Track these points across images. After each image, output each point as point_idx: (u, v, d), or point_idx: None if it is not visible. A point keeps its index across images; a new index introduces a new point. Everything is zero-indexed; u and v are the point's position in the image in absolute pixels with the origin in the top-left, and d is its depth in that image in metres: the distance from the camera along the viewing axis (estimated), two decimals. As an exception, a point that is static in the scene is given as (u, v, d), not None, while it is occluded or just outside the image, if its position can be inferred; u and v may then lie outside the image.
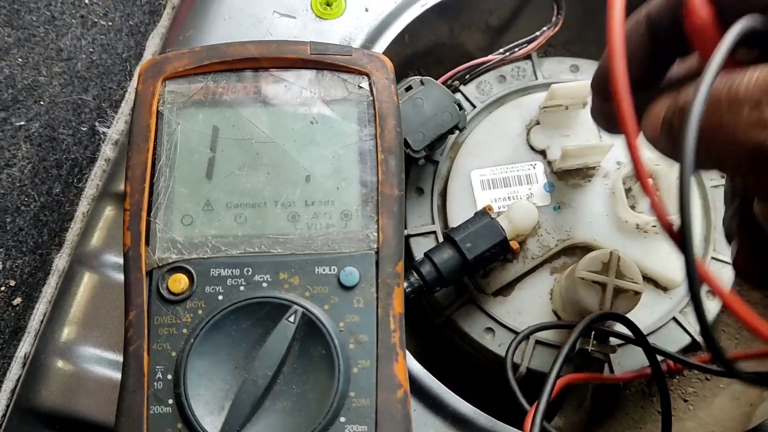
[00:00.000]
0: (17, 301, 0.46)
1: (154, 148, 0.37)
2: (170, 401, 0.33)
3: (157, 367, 0.34)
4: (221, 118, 0.38)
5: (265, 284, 0.35)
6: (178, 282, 0.35)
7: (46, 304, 0.44)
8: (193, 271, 0.35)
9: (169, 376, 0.33)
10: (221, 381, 0.34)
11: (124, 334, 0.34)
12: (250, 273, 0.35)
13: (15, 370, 0.43)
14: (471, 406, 0.43)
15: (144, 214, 0.36)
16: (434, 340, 0.53)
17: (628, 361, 0.49)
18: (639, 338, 0.43)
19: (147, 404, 0.33)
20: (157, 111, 0.38)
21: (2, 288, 0.46)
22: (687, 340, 0.49)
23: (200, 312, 0.34)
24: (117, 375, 0.42)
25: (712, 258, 0.51)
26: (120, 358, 0.42)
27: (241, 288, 0.35)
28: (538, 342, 0.49)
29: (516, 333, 0.49)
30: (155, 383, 0.33)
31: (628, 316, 0.44)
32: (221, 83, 0.39)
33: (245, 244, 0.36)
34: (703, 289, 0.51)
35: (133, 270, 0.35)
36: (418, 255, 0.50)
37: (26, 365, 0.43)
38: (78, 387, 0.41)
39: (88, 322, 0.43)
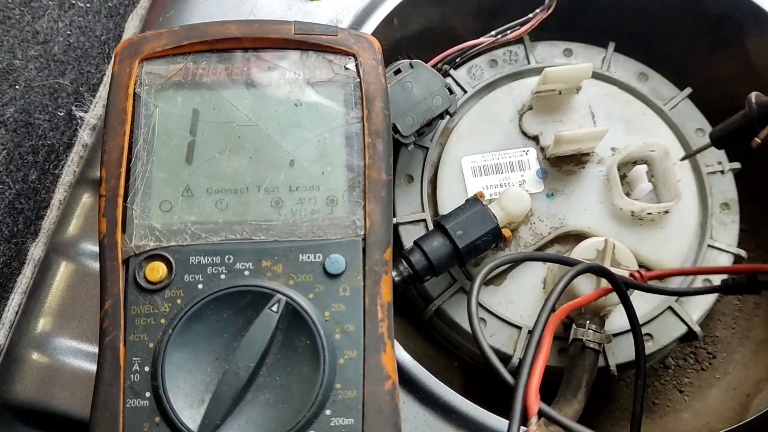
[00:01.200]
0: (-8, 292, 0.44)
1: (131, 131, 0.36)
2: (147, 394, 0.32)
3: (134, 358, 0.32)
4: (201, 100, 0.37)
5: (247, 272, 0.33)
6: (156, 270, 0.33)
7: (21, 295, 0.42)
8: (171, 259, 0.34)
9: (147, 368, 0.32)
10: (201, 373, 0.32)
11: (100, 325, 0.33)
12: (231, 261, 0.34)
13: (-10, 364, 0.42)
14: (461, 398, 0.42)
15: (120, 200, 0.34)
16: (424, 331, 0.52)
17: (623, 351, 0.48)
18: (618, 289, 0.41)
19: (123, 397, 0.32)
20: (134, 93, 0.36)
21: (-24, 279, 0.45)
22: (683, 328, 0.48)
23: (179, 301, 0.33)
24: (94, 367, 0.40)
25: (709, 246, 0.50)
26: (96, 350, 0.41)
27: (222, 276, 0.33)
28: (530, 332, 0.47)
29: (509, 323, 0.48)
30: (132, 375, 0.32)
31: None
32: (201, 64, 0.37)
33: (226, 230, 0.34)
34: (700, 278, 0.50)
35: (108, 258, 0.34)
36: (408, 243, 0.48)
37: (0, 358, 0.42)
38: (54, 380, 0.40)
39: (64, 313, 0.41)
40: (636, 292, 0.45)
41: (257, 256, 0.34)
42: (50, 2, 0.49)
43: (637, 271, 0.43)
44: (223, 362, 0.32)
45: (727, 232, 0.51)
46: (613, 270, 0.43)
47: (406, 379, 0.42)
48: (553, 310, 0.37)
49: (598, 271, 0.41)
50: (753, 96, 0.40)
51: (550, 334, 0.36)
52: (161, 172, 0.35)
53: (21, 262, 0.43)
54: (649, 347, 0.48)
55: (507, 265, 0.49)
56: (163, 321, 0.33)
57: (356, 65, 0.38)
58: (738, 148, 0.51)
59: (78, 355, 0.41)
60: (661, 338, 0.48)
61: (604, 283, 0.43)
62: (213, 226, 0.34)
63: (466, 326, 0.48)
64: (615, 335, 0.47)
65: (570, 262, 0.42)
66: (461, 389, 0.43)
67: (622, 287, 0.41)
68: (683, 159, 0.50)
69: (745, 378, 0.52)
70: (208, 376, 0.32)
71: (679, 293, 0.48)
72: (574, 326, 0.44)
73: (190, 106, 0.36)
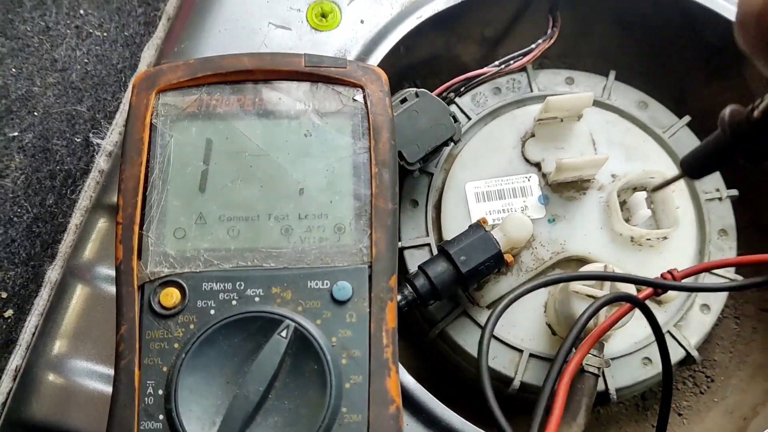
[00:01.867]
0: (9, 313, 0.46)
1: (147, 161, 0.37)
2: (161, 417, 0.33)
3: (149, 382, 0.33)
4: (215, 130, 0.38)
5: (257, 298, 0.35)
6: (170, 296, 0.35)
7: (38, 317, 0.44)
8: (185, 285, 0.35)
9: (161, 392, 0.33)
10: (212, 396, 0.33)
11: (116, 349, 0.34)
12: (242, 287, 0.35)
13: (6, 384, 0.43)
14: (464, 421, 0.43)
15: (136, 228, 0.36)
16: (428, 354, 0.53)
17: (622, 375, 0.49)
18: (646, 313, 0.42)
19: (138, 419, 0.33)
20: (151, 123, 0.38)
21: (-6, 300, 0.46)
22: (682, 353, 0.49)
23: (192, 326, 0.34)
24: (108, 389, 0.41)
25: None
26: (111, 372, 0.42)
27: (234, 302, 0.35)
28: (532, 355, 0.48)
29: (510, 346, 0.49)
30: (146, 398, 0.33)
31: (626, 328, 0.44)
32: (215, 95, 0.39)
33: (238, 257, 0.36)
34: (698, 302, 0.51)
35: (124, 284, 0.35)
36: (412, 267, 0.50)
37: (17, 378, 0.43)
38: (69, 400, 0.41)
39: (79, 335, 0.43)
40: (636, 314, 0.46)
41: (267, 282, 0.35)
42: (68, 31, 0.50)
43: (669, 273, 0.43)
44: (234, 386, 0.33)
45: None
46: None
47: (410, 402, 0.43)
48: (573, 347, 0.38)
49: (627, 300, 0.41)
50: (727, 112, 0.32)
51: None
52: (176, 200, 0.37)
53: (38, 285, 0.44)
54: (648, 371, 0.49)
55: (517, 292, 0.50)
56: (176, 345, 0.34)
57: (364, 97, 0.39)
58: (736, 174, 0.53)
59: (93, 376, 0.42)
60: (655, 365, 0.49)
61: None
62: (225, 253, 0.36)
63: (469, 349, 0.49)
64: (614, 359, 0.48)
65: (583, 277, 0.43)
66: (464, 411, 0.44)
67: (652, 314, 0.42)
68: (654, 190, 0.49)
69: (742, 402, 0.53)
70: (219, 399, 0.33)
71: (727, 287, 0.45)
72: (573, 350, 0.45)
73: (204, 136, 0.38)
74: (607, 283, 0.46)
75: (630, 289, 0.44)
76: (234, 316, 0.34)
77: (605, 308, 0.44)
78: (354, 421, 0.33)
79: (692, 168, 0.34)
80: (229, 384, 0.34)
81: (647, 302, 0.43)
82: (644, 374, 0.49)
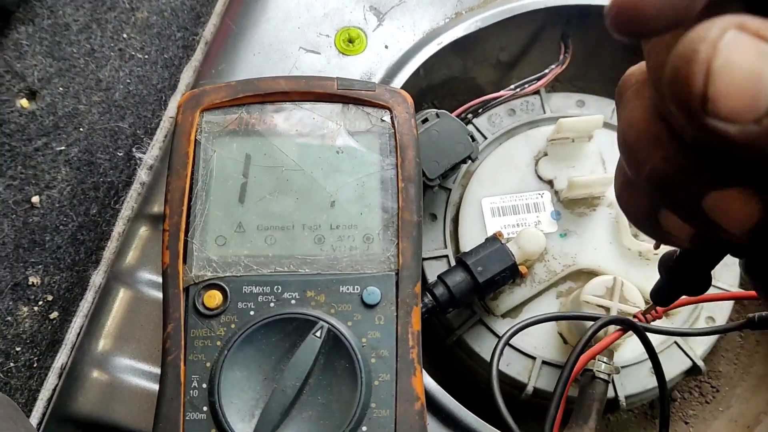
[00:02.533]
0: (54, 315, 0.49)
1: (192, 173, 0.40)
2: (205, 408, 0.36)
3: (193, 376, 0.36)
4: (254, 146, 0.41)
5: (293, 301, 0.38)
6: (213, 298, 0.38)
7: (83, 318, 0.47)
8: (226, 288, 0.38)
9: (204, 385, 0.36)
10: (252, 390, 0.36)
11: (162, 346, 0.37)
12: (279, 290, 0.38)
13: (51, 380, 0.46)
14: (483, 422, 0.45)
15: (182, 235, 0.39)
16: (446, 359, 0.56)
17: (632, 382, 0.51)
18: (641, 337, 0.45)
19: (183, 411, 0.36)
20: (195, 140, 0.41)
21: (40, 303, 0.49)
22: (688, 363, 0.52)
23: (233, 326, 0.37)
24: (151, 385, 0.44)
25: (713, 285, 0.54)
26: (153, 369, 0.45)
27: (272, 304, 0.37)
28: (544, 362, 0.51)
29: (524, 354, 0.51)
30: (191, 391, 0.36)
31: (634, 338, 0.46)
32: (254, 114, 0.42)
33: (275, 263, 0.38)
34: (703, 315, 0.53)
35: (171, 286, 0.38)
36: (431, 277, 0.52)
37: (63, 375, 0.46)
38: (113, 396, 0.44)
39: (122, 335, 0.45)
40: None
41: (302, 287, 0.38)
42: (112, 53, 0.54)
43: (643, 312, 0.46)
44: (271, 381, 0.36)
45: (729, 273, 0.54)
46: (621, 306, 0.47)
47: (431, 402, 0.46)
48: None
49: (621, 324, 0.44)
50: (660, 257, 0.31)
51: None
52: (217, 210, 0.40)
53: (83, 288, 0.47)
54: (654, 380, 0.51)
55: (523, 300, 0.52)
56: (219, 343, 0.37)
57: (391, 117, 0.42)
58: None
59: (135, 373, 0.45)
60: (667, 372, 0.51)
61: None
62: (263, 260, 0.39)
63: (485, 355, 0.52)
64: (623, 367, 0.51)
65: (590, 318, 0.46)
66: (478, 414, 0.47)
67: (646, 337, 0.45)
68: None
69: (746, 411, 0.55)
70: (257, 393, 0.36)
71: (697, 333, 0.50)
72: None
73: (244, 152, 0.41)
74: (617, 294, 0.49)
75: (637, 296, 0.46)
76: (272, 317, 0.37)
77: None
78: (382, 416, 0.36)
79: (659, 300, 0.34)
80: (267, 380, 0.36)
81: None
82: (653, 382, 0.51)
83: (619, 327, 0.45)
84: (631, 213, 0.25)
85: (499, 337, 0.45)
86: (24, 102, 0.53)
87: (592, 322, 0.45)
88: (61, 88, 0.53)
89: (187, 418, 0.36)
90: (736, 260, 0.53)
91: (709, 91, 0.15)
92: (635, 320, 0.46)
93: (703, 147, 0.16)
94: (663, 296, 0.32)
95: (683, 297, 0.32)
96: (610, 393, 0.49)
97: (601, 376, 0.47)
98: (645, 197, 0.24)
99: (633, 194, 0.24)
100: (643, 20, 0.18)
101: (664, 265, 0.30)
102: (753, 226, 0.19)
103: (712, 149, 0.16)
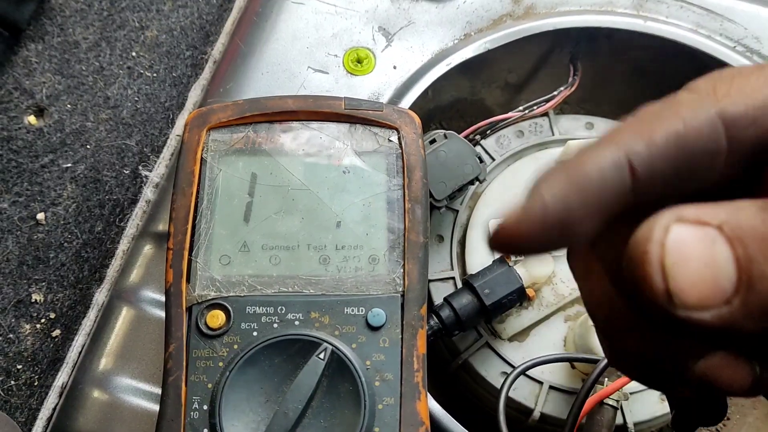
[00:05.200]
0: (56, 333, 0.48)
1: (197, 192, 0.40)
2: (205, 430, 0.35)
3: (194, 397, 0.36)
4: (260, 165, 0.41)
5: (297, 322, 0.37)
6: (216, 318, 0.37)
7: (85, 336, 0.46)
8: (230, 308, 0.37)
9: (205, 407, 0.35)
10: (254, 413, 0.36)
11: (164, 365, 0.36)
12: (283, 311, 0.37)
13: (52, 399, 0.45)
14: (487, 448, 0.44)
15: (186, 254, 0.38)
16: (451, 383, 0.55)
17: (640, 409, 0.50)
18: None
19: (183, 433, 0.35)
20: (201, 158, 0.41)
21: (42, 320, 0.49)
22: (698, 390, 0.51)
23: (236, 347, 0.36)
24: (151, 405, 0.44)
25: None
26: (155, 390, 0.44)
27: (275, 325, 0.37)
28: (552, 388, 0.50)
29: (531, 378, 0.50)
30: (192, 413, 0.35)
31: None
32: (261, 133, 0.42)
33: (279, 284, 0.38)
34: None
35: (174, 305, 0.37)
36: (437, 299, 0.52)
37: (63, 394, 0.45)
38: (113, 416, 0.43)
39: (124, 354, 0.45)
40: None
41: (307, 308, 0.37)
42: (121, 71, 0.54)
43: None
44: (274, 404, 0.36)
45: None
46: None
47: (435, 427, 0.45)
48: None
49: None
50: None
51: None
52: (222, 229, 0.39)
53: (86, 306, 0.47)
54: (666, 407, 0.50)
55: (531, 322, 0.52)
56: (221, 364, 0.36)
57: (399, 138, 0.42)
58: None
59: (137, 393, 0.44)
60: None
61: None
62: (267, 280, 0.38)
63: (491, 380, 0.51)
64: (632, 393, 0.50)
65: (592, 360, 0.45)
66: (485, 440, 0.46)
67: None
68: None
69: (758, 439, 0.54)
70: (259, 415, 0.36)
71: None
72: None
73: (250, 171, 0.41)
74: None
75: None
76: (275, 338, 0.36)
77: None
78: (386, 440, 0.35)
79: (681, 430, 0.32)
80: (269, 402, 0.36)
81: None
82: (662, 409, 0.50)
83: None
84: (630, 377, 0.25)
85: (512, 369, 0.44)
86: (32, 119, 0.53)
87: (589, 376, 0.44)
88: (69, 106, 0.53)
89: (187, 440, 0.35)
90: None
91: (671, 288, 0.16)
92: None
93: (684, 330, 0.16)
94: (683, 427, 0.31)
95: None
96: (619, 419, 0.48)
97: (610, 402, 0.46)
98: (637, 366, 0.23)
99: (622, 361, 0.24)
100: (517, 244, 0.19)
101: (674, 403, 0.29)
102: (750, 385, 0.18)
103: (694, 332, 0.16)
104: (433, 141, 0.51)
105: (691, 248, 0.16)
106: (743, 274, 0.15)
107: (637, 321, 0.21)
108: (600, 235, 0.19)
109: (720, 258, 0.15)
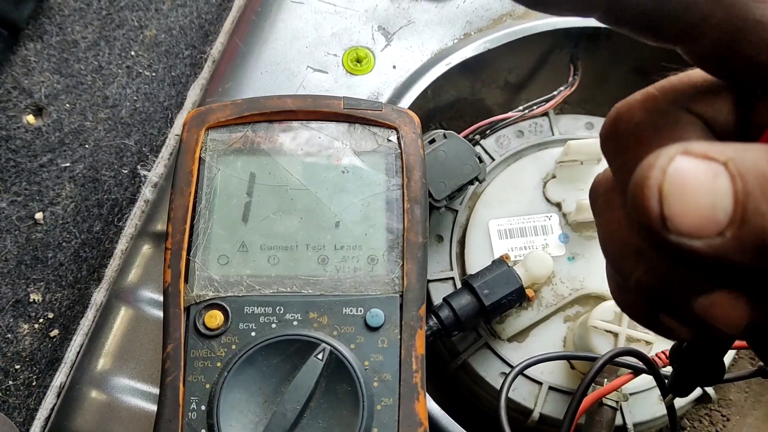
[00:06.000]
0: (54, 332, 0.48)
1: (196, 192, 0.40)
2: (203, 431, 0.35)
3: (192, 398, 0.36)
4: (258, 165, 0.41)
5: (295, 323, 0.37)
6: (214, 318, 0.37)
7: (83, 336, 0.46)
8: (228, 308, 0.37)
9: (203, 407, 0.35)
10: (252, 413, 0.35)
11: (162, 366, 0.36)
12: (281, 311, 0.37)
13: (50, 399, 0.45)
14: (486, 449, 0.44)
15: (184, 254, 0.38)
16: (450, 383, 0.55)
17: (640, 410, 0.50)
18: (654, 372, 0.44)
19: (181, 433, 0.35)
20: (200, 158, 0.40)
21: (40, 320, 0.48)
22: (698, 391, 0.50)
23: (234, 347, 0.36)
24: (149, 405, 0.44)
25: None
26: (153, 390, 0.44)
27: (273, 325, 0.37)
28: (551, 388, 0.50)
29: (531, 379, 0.50)
30: (190, 413, 0.35)
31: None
32: (260, 133, 0.42)
33: (278, 284, 0.38)
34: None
35: (172, 305, 0.37)
36: (437, 300, 0.52)
37: (61, 394, 0.45)
38: (111, 416, 0.43)
39: (123, 354, 0.45)
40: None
41: (305, 308, 0.37)
42: (119, 71, 0.54)
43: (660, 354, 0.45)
44: (272, 404, 0.35)
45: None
46: (629, 332, 0.46)
47: (434, 427, 0.45)
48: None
49: (634, 355, 0.43)
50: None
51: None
52: (220, 229, 0.39)
53: (84, 306, 0.47)
54: (663, 408, 0.50)
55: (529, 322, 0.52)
56: (219, 364, 0.36)
57: (398, 138, 0.42)
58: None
59: (135, 393, 0.44)
60: (677, 400, 0.50)
61: (619, 341, 0.46)
62: (266, 280, 0.38)
63: (490, 380, 0.51)
64: (632, 394, 0.50)
65: (590, 358, 0.45)
66: (484, 441, 0.46)
67: (658, 371, 0.44)
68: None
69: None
70: (257, 416, 0.35)
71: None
72: (593, 384, 0.46)
73: (248, 170, 0.41)
74: (625, 320, 0.48)
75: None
76: (274, 338, 0.36)
77: (626, 343, 0.46)
78: (384, 441, 0.35)
79: (678, 392, 0.34)
80: (267, 402, 0.36)
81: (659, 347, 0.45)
82: (661, 410, 0.50)
83: (630, 371, 0.44)
84: (630, 314, 0.26)
85: (511, 368, 0.44)
86: (30, 118, 0.53)
87: (589, 370, 0.44)
88: (67, 105, 0.53)
89: (184, 440, 0.35)
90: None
91: (665, 212, 0.16)
92: (654, 361, 0.45)
93: (681, 258, 0.17)
94: (680, 389, 0.31)
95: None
96: (618, 420, 0.48)
97: (609, 403, 0.46)
98: (640, 301, 0.24)
99: (628, 297, 0.25)
100: None
101: (675, 357, 0.30)
102: (745, 325, 0.19)
103: (689, 260, 0.17)
104: (432, 141, 0.51)
105: (692, 179, 0.16)
106: (739, 208, 0.16)
107: (644, 253, 0.22)
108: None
109: (719, 190, 0.16)
